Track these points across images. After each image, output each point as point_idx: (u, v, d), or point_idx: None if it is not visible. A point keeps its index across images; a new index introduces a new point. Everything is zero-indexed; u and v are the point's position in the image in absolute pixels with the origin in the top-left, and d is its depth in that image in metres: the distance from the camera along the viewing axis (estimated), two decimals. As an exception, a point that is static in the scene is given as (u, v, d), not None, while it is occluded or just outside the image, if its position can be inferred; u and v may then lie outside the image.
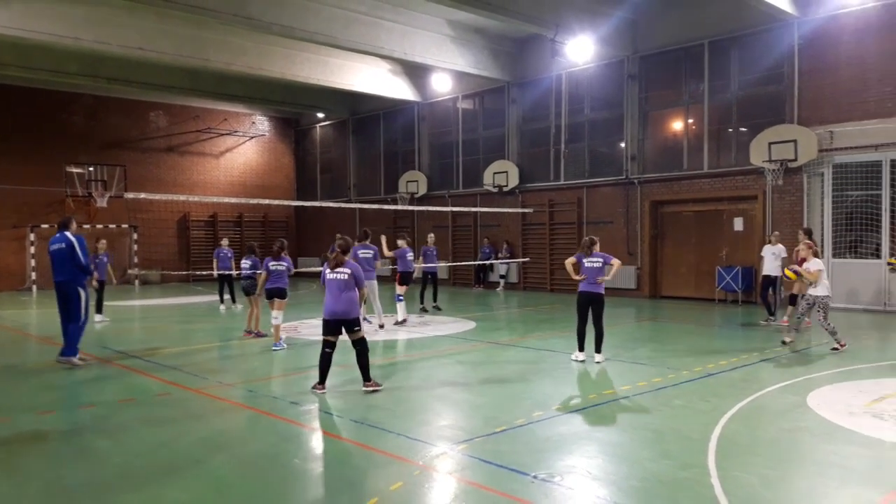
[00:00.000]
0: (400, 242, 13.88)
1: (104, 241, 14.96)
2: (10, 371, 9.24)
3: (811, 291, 9.94)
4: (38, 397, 7.73)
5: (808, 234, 12.79)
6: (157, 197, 15.11)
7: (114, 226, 24.73)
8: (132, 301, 19.42)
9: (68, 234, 9.31)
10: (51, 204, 23.31)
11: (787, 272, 10.89)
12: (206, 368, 9.16)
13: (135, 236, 25.45)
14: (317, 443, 5.96)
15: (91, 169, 23.73)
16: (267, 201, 16.35)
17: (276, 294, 10.59)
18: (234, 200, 16.61)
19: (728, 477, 4.79)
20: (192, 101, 26.19)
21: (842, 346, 9.80)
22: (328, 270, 7.55)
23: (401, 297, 13.34)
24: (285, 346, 10.51)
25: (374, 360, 8.01)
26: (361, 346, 7.51)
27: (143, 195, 13.02)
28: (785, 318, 12.55)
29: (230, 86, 23.61)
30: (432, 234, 17.01)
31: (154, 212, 25.52)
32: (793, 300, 12.55)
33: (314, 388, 7.59)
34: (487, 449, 5.51)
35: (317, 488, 4.83)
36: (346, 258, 7.62)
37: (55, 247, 9.26)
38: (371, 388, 7.46)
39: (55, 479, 5.09)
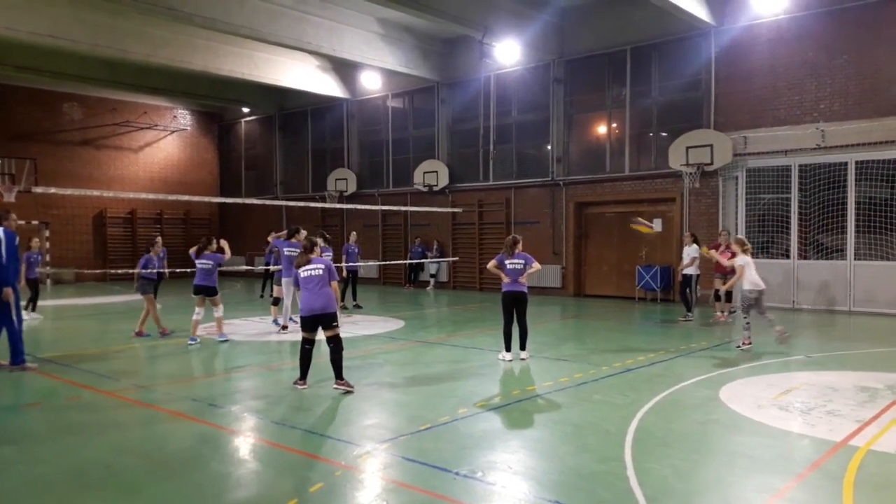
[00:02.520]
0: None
1: (37, 240, 14.60)
2: None
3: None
4: (-67, 403, 7.25)
5: (728, 233, 13.53)
6: (69, 192, 14.37)
7: (23, 222, 23.30)
8: (43, 301, 18.39)
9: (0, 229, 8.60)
10: (-48, 198, 21.92)
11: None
12: (120, 370, 8.78)
13: (46, 233, 24.19)
14: (235, 445, 5.80)
15: (-2, 161, 22.45)
16: (188, 197, 15.82)
17: (204, 291, 10.65)
18: (153, 196, 15.99)
19: (643, 469, 4.93)
20: (109, 92, 25.09)
21: (746, 343, 9.93)
22: (301, 270, 7.41)
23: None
24: (229, 337, 10.98)
25: (297, 360, 7.86)
26: (336, 343, 7.36)
27: (53, 189, 12.33)
28: (718, 314, 13.19)
29: (150, 78, 22.74)
30: (354, 233, 16.89)
31: (67, 207, 24.35)
32: (726, 297, 13.17)
33: (295, 383, 7.54)
34: (411, 447, 5.49)
35: (233, 492, 4.69)
36: (313, 256, 7.52)
37: None
38: (343, 388, 7.29)
39: (-51, 489, 4.77)
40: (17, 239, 8.78)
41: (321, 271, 7.37)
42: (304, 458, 5.33)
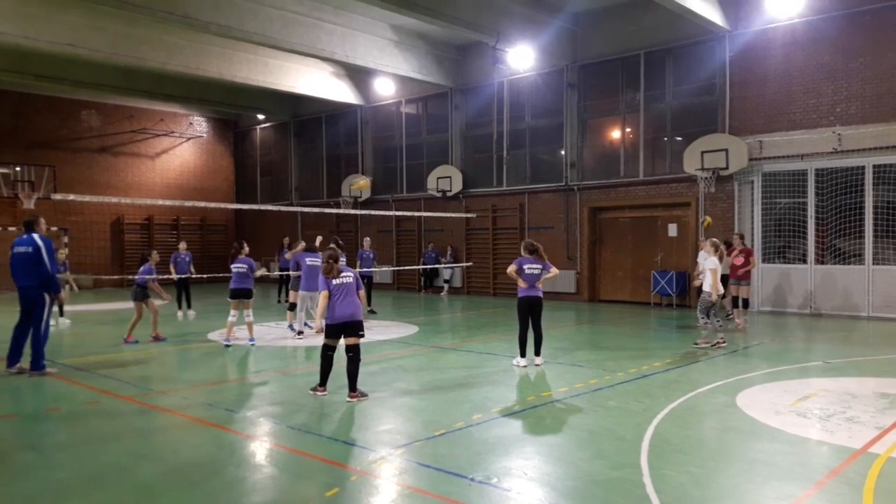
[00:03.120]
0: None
1: (65, 251, 14.80)
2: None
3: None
4: (-45, 408, 7.35)
5: (741, 237, 13.44)
6: (87, 199, 14.56)
7: (42, 228, 23.69)
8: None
9: (35, 236, 8.67)
10: (-26, 205, 22.25)
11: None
12: (137, 376, 8.86)
13: (65, 240, 24.45)
14: (251, 450, 5.82)
15: (17, 169, 22.74)
16: (204, 204, 15.95)
17: (241, 295, 10.96)
18: (169, 203, 16.13)
19: (659, 476, 4.90)
20: (126, 100, 25.40)
21: (723, 342, 10.47)
22: (332, 280, 7.37)
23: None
24: (255, 340, 11.17)
25: (312, 365, 7.89)
26: (355, 353, 7.34)
27: (71, 196, 12.49)
28: (738, 321, 13.02)
29: (166, 85, 22.99)
30: (368, 238, 16.96)
31: (86, 214, 24.60)
32: (743, 303, 13.10)
33: (314, 390, 7.53)
34: (426, 453, 5.50)
35: (250, 496, 4.71)
36: (339, 264, 7.52)
37: (20, 249, 8.61)
38: (356, 400, 7.24)
39: (-30, 493, 4.84)
40: (54, 244, 8.97)
41: (350, 279, 7.42)
42: (320, 463, 5.35)
